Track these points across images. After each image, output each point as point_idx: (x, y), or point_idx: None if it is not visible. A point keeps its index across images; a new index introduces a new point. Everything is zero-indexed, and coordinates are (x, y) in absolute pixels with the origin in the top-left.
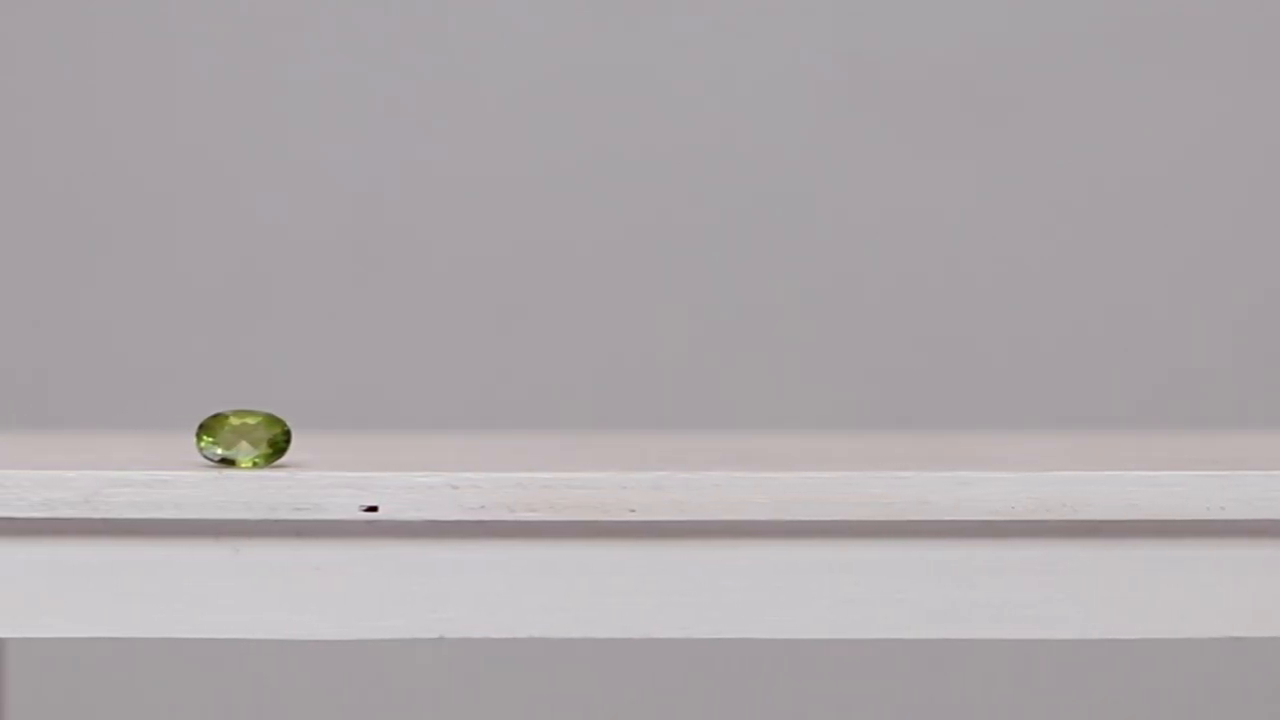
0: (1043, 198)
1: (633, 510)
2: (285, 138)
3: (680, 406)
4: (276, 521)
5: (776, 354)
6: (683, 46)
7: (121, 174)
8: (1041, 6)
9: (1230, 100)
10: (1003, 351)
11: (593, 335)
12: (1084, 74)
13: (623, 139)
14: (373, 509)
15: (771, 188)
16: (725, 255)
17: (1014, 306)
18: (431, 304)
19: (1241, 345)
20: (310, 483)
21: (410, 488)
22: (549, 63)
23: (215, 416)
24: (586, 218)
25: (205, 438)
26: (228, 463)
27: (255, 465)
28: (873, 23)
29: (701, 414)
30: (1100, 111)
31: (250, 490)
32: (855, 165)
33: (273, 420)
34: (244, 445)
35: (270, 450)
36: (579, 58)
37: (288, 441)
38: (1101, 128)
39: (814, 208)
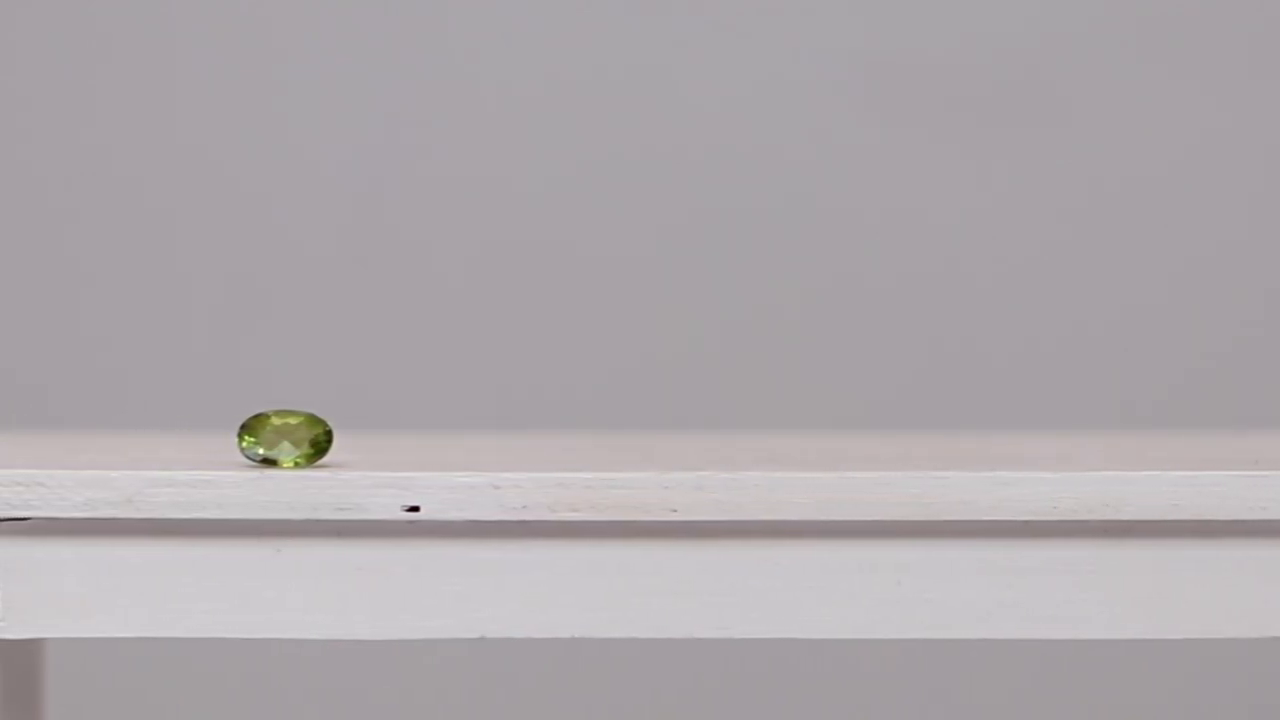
0: (1061, 197)
1: (674, 510)
2: (315, 134)
3: (702, 407)
4: (318, 521)
5: (794, 355)
6: (693, 46)
7: (155, 172)
8: (1054, 6)
9: (1261, 99)
10: (1024, 351)
11: (617, 336)
12: (1099, 74)
13: (646, 140)
14: (415, 509)
15: (786, 188)
16: (742, 256)
17: (1033, 306)
18: (470, 304)
19: (1270, 343)
20: (352, 483)
21: (452, 488)
22: (559, 62)
23: (257, 416)
24: (605, 219)
25: (247, 438)
26: (269, 463)
27: (297, 465)
28: (880, 22)
29: (724, 414)
30: (1121, 111)
31: (292, 490)
32: (870, 165)
33: (314, 420)
34: (286, 445)
35: (312, 450)
36: (582, 57)
37: (329, 441)
38: (1123, 127)
39: (830, 207)
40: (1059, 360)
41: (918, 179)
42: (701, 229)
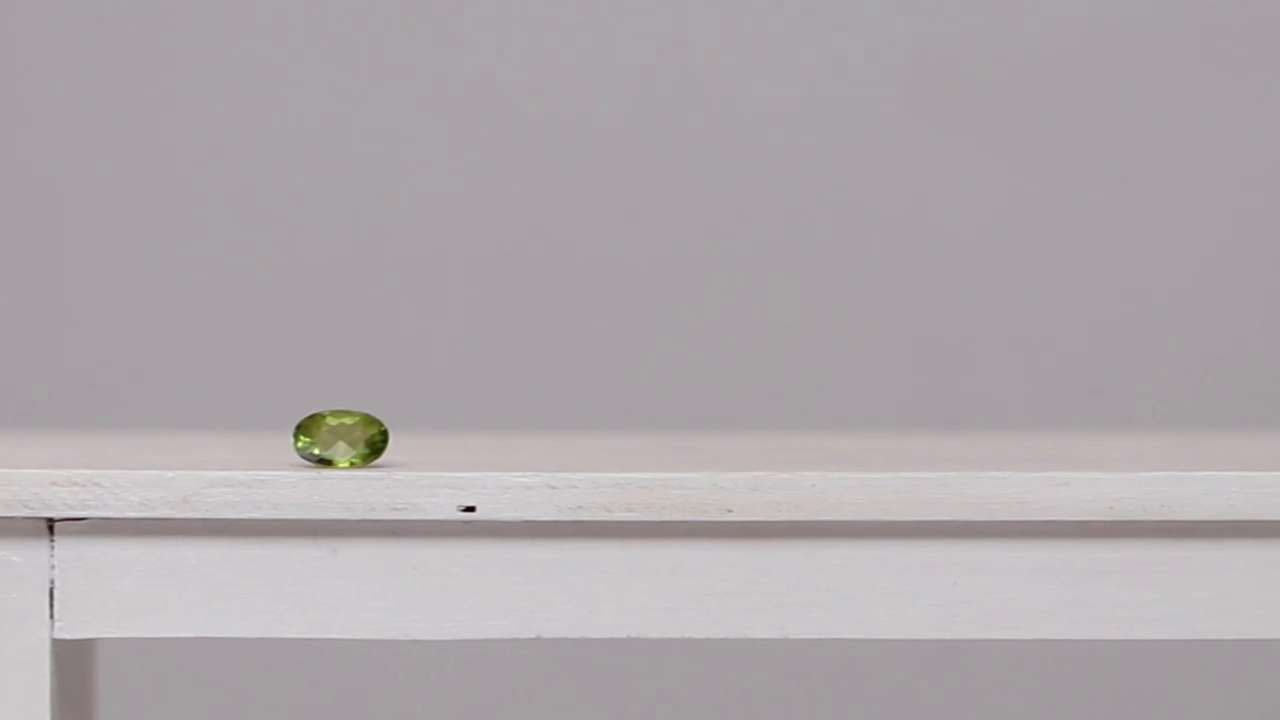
0: (1101, 198)
1: (730, 510)
2: (367, 134)
3: (754, 407)
4: (374, 522)
5: (840, 355)
6: (731, 45)
7: (209, 172)
8: (1099, 6)
9: None
10: (1071, 351)
11: (667, 336)
12: (1141, 75)
13: (688, 141)
14: (470, 509)
15: (830, 190)
16: (783, 257)
17: (1076, 307)
18: (524, 305)
19: None
20: (408, 483)
21: (508, 488)
22: (603, 64)
23: (312, 417)
24: (651, 220)
25: (302, 438)
26: (325, 463)
27: (352, 465)
28: (920, 22)
29: (776, 414)
30: (1167, 113)
31: (348, 490)
32: (914, 166)
33: (370, 420)
34: (341, 445)
35: (367, 450)
36: (621, 58)
37: (385, 441)
38: (1168, 129)
39: (871, 207)
40: (1104, 360)
41: (958, 179)
42: (746, 229)
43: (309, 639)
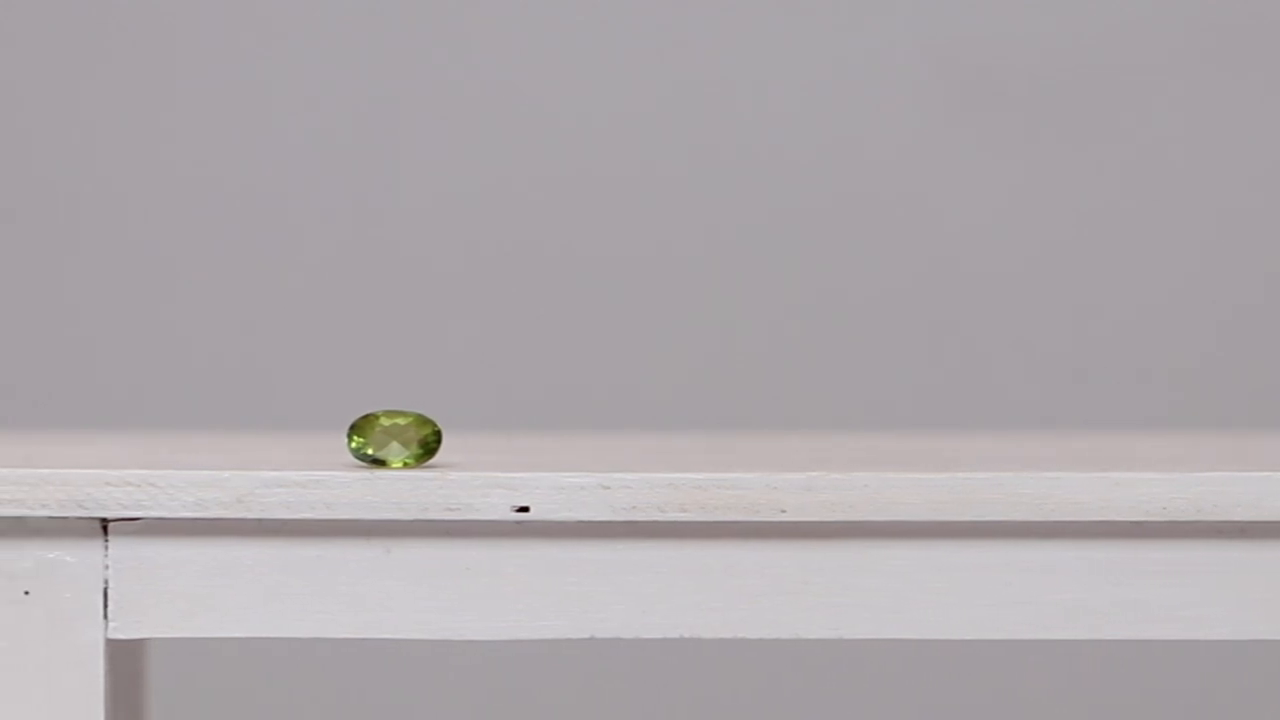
0: (1128, 199)
1: (784, 511)
2: (420, 133)
3: (801, 406)
4: (428, 522)
5: (866, 354)
6: (755, 42)
7: (263, 175)
8: (1135, 12)
9: None
10: (1107, 351)
11: (720, 335)
12: (1165, 77)
13: (716, 139)
14: (524, 509)
15: (852, 185)
16: (818, 255)
17: (1108, 308)
18: (577, 305)
19: None
20: (462, 483)
21: (562, 488)
22: (621, 55)
23: (365, 417)
24: (692, 219)
25: (356, 438)
26: (379, 463)
27: (406, 465)
28: (944, 20)
29: (826, 414)
30: (1190, 115)
31: (402, 491)
32: (946, 164)
33: (423, 420)
34: (395, 446)
35: (421, 450)
36: (647, 56)
37: (438, 442)
38: (1192, 130)
39: (899, 204)
40: (1142, 358)
41: (988, 177)
42: (781, 230)
43: (362, 639)
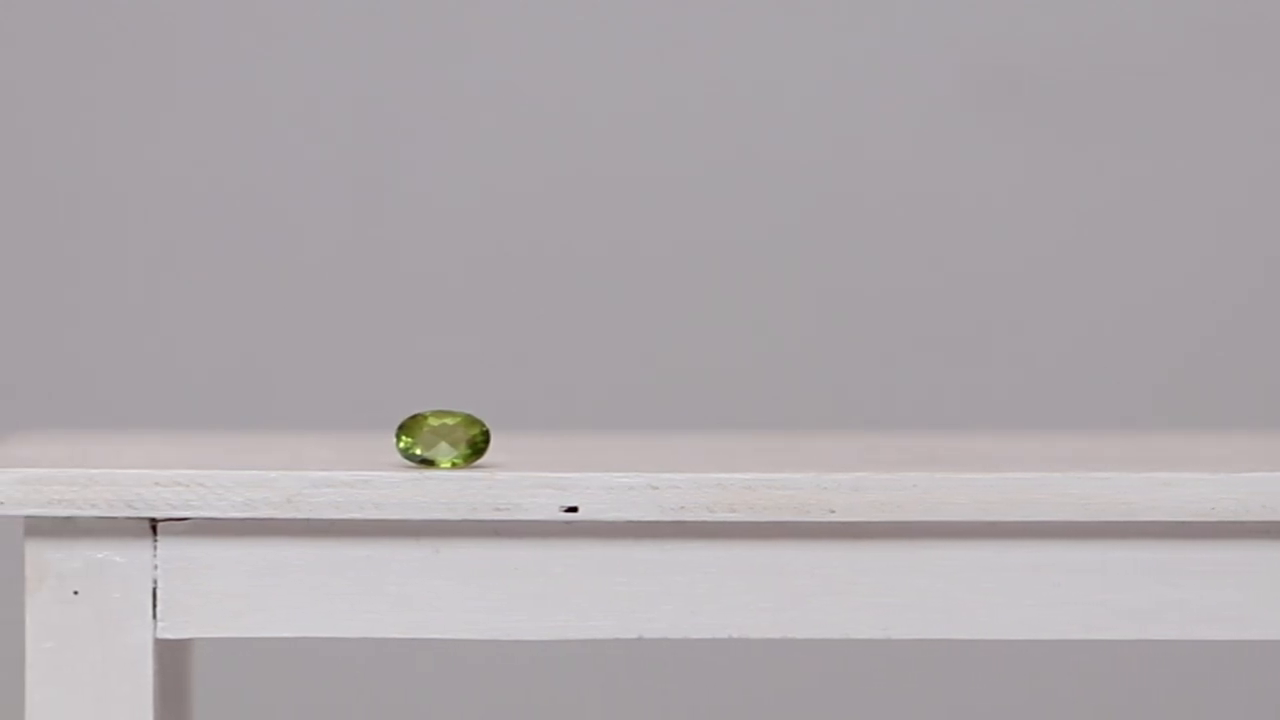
0: (1171, 199)
1: (833, 511)
2: (468, 131)
3: (850, 406)
4: (476, 522)
5: (900, 354)
6: (790, 39)
7: (321, 174)
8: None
9: None
10: (1145, 350)
11: (765, 334)
12: (1201, 80)
13: (753, 138)
14: (573, 509)
15: (896, 186)
16: (858, 255)
17: (1146, 305)
18: (625, 303)
19: None
20: (510, 483)
21: (610, 488)
22: (655, 54)
23: (414, 417)
24: (738, 217)
25: (405, 438)
26: (427, 463)
27: (455, 466)
28: (978, 19)
29: (872, 414)
30: (1227, 117)
31: (450, 491)
32: (980, 163)
33: (471, 420)
34: (443, 446)
35: (469, 450)
36: (678, 59)
37: (486, 442)
38: (1228, 132)
39: (937, 204)
40: (1180, 358)
41: (1021, 175)
42: (812, 228)
43: (410, 639)
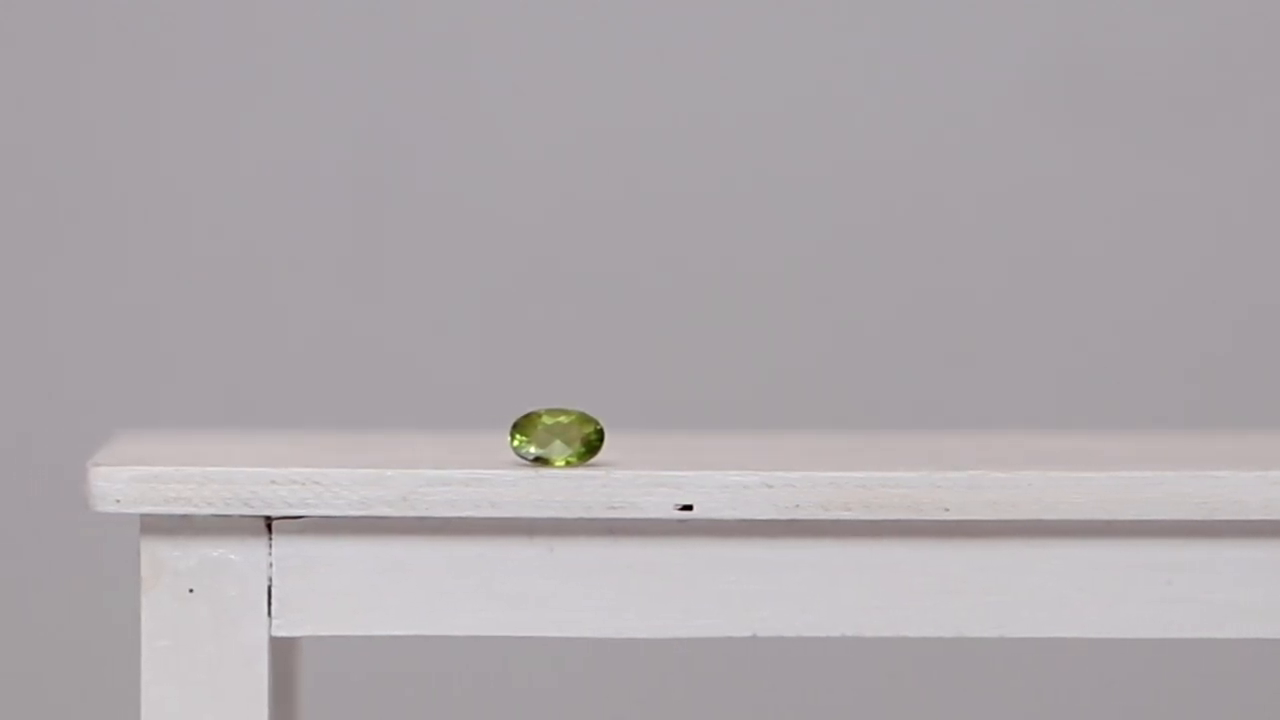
0: (1246, 200)
1: (947, 509)
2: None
3: (961, 405)
4: (590, 520)
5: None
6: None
7: (432, 172)
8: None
9: None
10: (1231, 350)
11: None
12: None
13: (842, 140)
14: (687, 508)
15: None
16: (932, 257)
17: (1233, 305)
18: (730, 301)
19: None
20: (625, 481)
21: (725, 486)
22: (748, 74)
23: (528, 415)
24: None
25: (519, 437)
26: (542, 461)
27: (569, 464)
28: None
29: (988, 413)
30: None
31: (565, 489)
32: (1057, 164)
33: (585, 419)
34: (558, 444)
35: (584, 449)
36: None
37: (601, 440)
38: None
39: (1003, 208)
40: (1253, 359)
41: (1102, 177)
42: (901, 229)
43: (524, 637)
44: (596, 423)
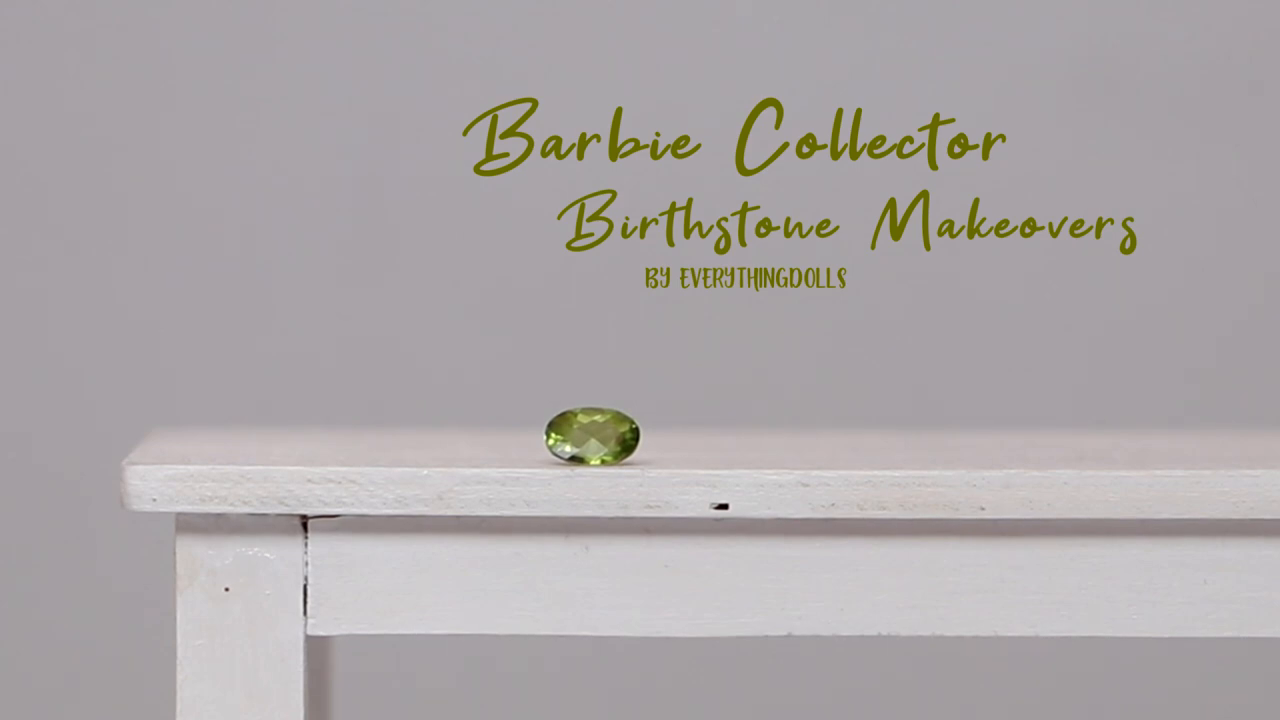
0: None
1: (983, 509)
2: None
3: (1002, 404)
4: (626, 519)
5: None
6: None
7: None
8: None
9: None
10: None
11: (906, 333)
12: None
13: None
14: (723, 507)
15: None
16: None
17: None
18: (764, 299)
19: None
20: (661, 480)
21: (761, 485)
22: (781, 65)
23: (563, 414)
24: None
25: (554, 436)
26: (577, 460)
27: (604, 463)
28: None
29: (1022, 412)
30: None
31: (601, 488)
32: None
33: (621, 418)
34: (593, 443)
35: (619, 448)
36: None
37: (636, 439)
38: None
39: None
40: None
41: (1133, 178)
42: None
43: (559, 636)
44: (632, 421)
